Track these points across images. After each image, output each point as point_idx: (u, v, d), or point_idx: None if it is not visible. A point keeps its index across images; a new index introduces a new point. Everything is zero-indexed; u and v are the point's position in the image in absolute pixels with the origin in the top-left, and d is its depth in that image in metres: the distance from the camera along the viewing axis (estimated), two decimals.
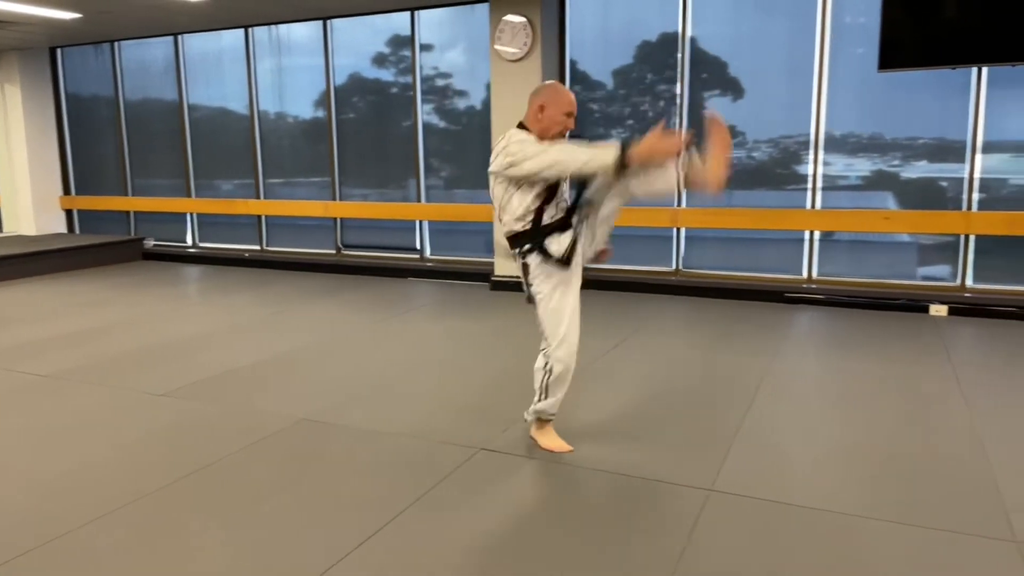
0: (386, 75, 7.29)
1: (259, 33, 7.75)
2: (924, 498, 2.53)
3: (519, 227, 2.78)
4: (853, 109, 5.60)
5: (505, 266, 6.40)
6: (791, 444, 3.04)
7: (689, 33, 5.92)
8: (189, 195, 8.46)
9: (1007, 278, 5.30)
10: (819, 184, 5.70)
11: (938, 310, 5.28)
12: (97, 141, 9.05)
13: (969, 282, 5.38)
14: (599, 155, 2.57)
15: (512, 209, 2.77)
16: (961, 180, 5.32)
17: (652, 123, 2.64)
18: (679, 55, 5.98)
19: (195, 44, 8.17)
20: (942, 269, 5.53)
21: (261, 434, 3.17)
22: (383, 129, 7.39)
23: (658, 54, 6.13)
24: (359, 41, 7.33)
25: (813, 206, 5.74)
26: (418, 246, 7.31)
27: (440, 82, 7.06)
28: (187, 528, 2.42)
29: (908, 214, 5.51)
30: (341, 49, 7.39)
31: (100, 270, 7.88)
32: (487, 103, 6.57)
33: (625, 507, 2.51)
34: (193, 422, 3.37)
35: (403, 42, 7.06)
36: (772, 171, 5.92)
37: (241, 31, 7.78)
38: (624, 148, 2.53)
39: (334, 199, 7.61)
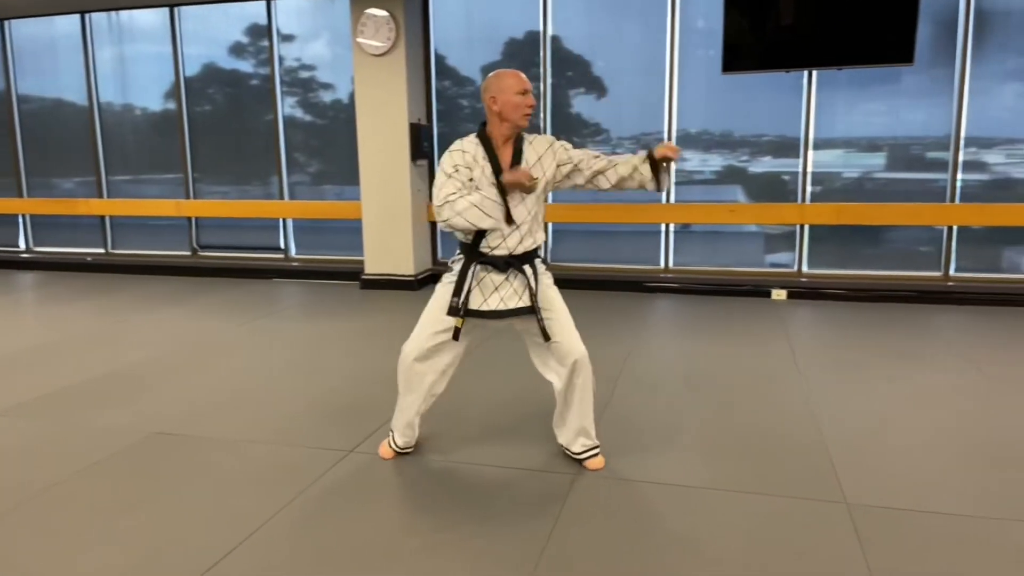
0: (245, 66, 6.97)
1: (97, 19, 7.18)
2: (763, 467, 2.74)
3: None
4: (705, 108, 5.96)
5: (378, 263, 6.30)
6: (648, 425, 3.19)
7: (550, 32, 6.07)
8: (20, 194, 7.71)
9: (837, 263, 5.83)
10: (673, 179, 6.02)
11: (779, 294, 5.74)
12: None
13: (805, 268, 5.87)
14: (484, 218, 2.54)
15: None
16: (798, 174, 5.80)
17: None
18: (541, 53, 6.11)
19: (24, 30, 7.44)
20: (785, 256, 5.99)
21: (109, 451, 2.96)
22: (242, 123, 7.06)
23: (526, 51, 6.24)
24: (213, 29, 6.97)
25: (668, 200, 6.05)
26: (282, 245, 7.06)
27: (304, 74, 6.84)
28: (26, 557, 2.22)
29: (750, 206, 5.93)
30: (194, 38, 6.99)
31: None
32: (354, 96, 6.47)
33: (496, 497, 2.56)
34: (30, 443, 3.09)
35: (262, 32, 6.78)
36: None
37: (77, 16, 7.17)
38: (507, 205, 2.56)
39: (188, 197, 7.19)
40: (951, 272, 5.58)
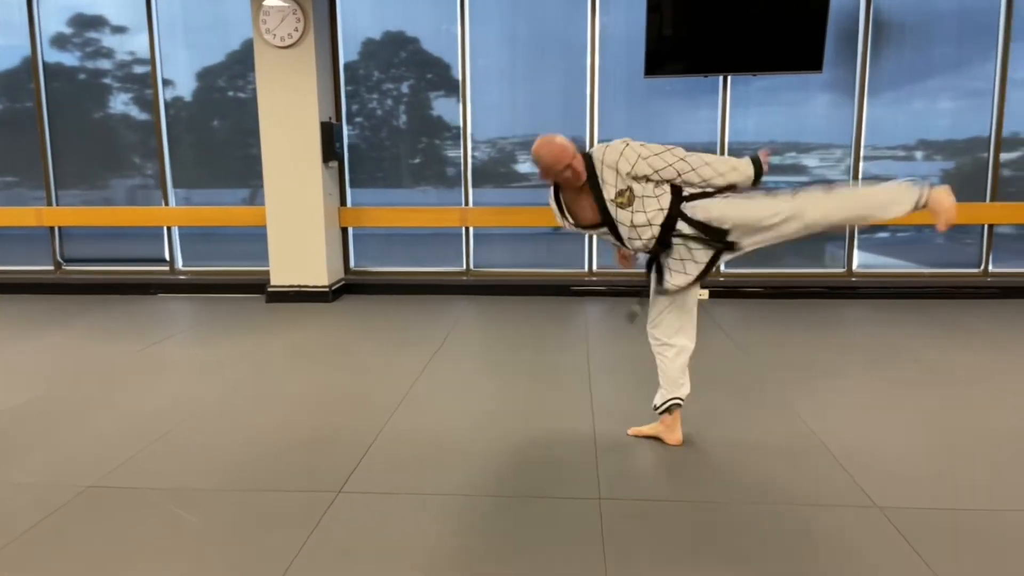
0: (70, 59, 6.24)
1: None
2: (782, 476, 2.69)
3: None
4: (621, 114, 5.97)
5: (286, 274, 5.79)
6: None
7: (468, 34, 5.85)
8: None
9: (753, 262, 6.04)
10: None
11: (701, 294, 5.86)
12: None
13: (723, 268, 6.04)
14: (741, 169, 2.62)
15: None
16: None
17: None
18: (459, 56, 5.88)
19: None
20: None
21: (40, 515, 2.42)
22: (81, 121, 6.26)
23: (384, 52, 6.02)
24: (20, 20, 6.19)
25: None
26: (167, 256, 6.33)
27: (139, 69, 6.18)
28: None
29: None
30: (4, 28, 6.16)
31: None
32: (197, 94, 6.08)
33: (529, 530, 2.32)
34: None
35: (86, 22, 6.14)
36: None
37: None
38: (757, 163, 2.62)
39: (49, 203, 6.28)
40: (854, 268, 5.95)
